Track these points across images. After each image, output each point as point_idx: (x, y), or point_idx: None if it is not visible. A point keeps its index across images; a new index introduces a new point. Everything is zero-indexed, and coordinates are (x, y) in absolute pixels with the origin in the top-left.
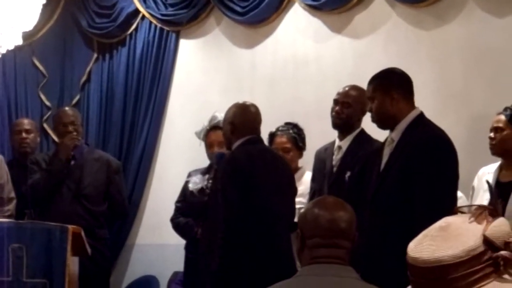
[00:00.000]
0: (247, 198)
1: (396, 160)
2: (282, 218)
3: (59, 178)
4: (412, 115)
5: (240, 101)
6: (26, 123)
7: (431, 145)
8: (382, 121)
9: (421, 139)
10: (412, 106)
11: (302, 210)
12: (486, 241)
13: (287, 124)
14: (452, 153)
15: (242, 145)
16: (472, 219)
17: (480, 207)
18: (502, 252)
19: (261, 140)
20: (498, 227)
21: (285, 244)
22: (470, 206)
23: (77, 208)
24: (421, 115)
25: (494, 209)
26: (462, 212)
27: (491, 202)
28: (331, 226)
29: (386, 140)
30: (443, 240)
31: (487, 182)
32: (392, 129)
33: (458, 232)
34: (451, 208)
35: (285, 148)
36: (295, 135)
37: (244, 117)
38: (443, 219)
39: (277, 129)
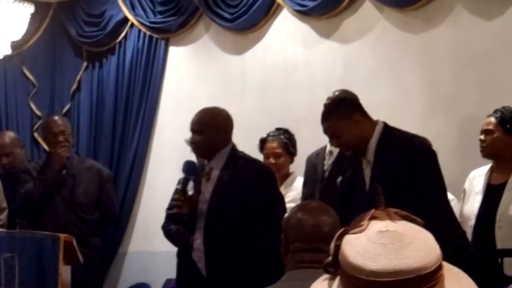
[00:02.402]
0: None
1: (380, 181)
2: None
3: (53, 188)
4: (377, 130)
5: (229, 106)
6: (6, 144)
7: (409, 154)
8: (356, 148)
9: (398, 151)
10: (372, 121)
11: (286, 215)
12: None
13: (278, 129)
14: (432, 155)
15: (235, 151)
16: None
17: (380, 209)
18: None
19: None
20: None
21: None
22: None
23: (71, 217)
24: (385, 127)
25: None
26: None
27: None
28: (315, 231)
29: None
30: (413, 247)
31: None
32: (364, 151)
33: (414, 239)
34: (446, 208)
35: (276, 154)
36: (286, 141)
37: (229, 123)
38: (379, 226)
39: (268, 135)
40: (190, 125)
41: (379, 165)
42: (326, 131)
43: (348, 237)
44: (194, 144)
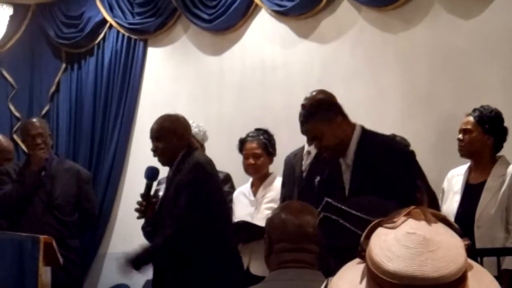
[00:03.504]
0: (215, 204)
1: (361, 184)
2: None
3: (32, 190)
4: (356, 134)
5: (208, 107)
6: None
7: (389, 157)
8: (337, 150)
9: (377, 155)
10: (351, 123)
11: (269, 215)
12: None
13: (257, 130)
14: (411, 155)
15: (189, 153)
16: (429, 222)
17: (418, 207)
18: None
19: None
20: None
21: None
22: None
23: (49, 219)
24: (363, 130)
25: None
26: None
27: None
28: (299, 231)
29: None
30: (435, 256)
31: None
32: (343, 154)
33: (440, 247)
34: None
35: (256, 154)
36: (266, 141)
37: (188, 128)
38: (409, 227)
39: (248, 135)
40: (150, 133)
41: (359, 169)
42: (307, 132)
43: (380, 231)
44: (157, 152)
